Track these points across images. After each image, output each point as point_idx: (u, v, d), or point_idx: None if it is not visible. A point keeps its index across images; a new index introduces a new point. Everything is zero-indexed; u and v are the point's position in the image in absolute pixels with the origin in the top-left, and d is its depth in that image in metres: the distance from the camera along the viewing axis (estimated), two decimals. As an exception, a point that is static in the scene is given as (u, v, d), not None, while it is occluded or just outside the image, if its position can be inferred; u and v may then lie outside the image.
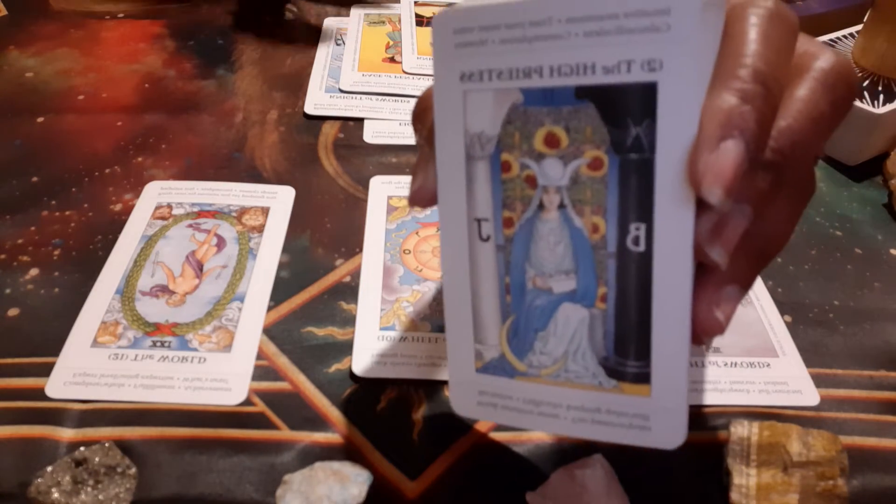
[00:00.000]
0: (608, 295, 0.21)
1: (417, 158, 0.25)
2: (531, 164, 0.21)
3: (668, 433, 0.21)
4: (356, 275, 0.35)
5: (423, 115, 0.24)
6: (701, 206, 0.19)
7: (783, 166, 0.20)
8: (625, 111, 0.19)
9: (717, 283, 0.21)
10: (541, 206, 0.22)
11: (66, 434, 0.28)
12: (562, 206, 0.21)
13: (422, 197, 0.24)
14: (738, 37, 0.20)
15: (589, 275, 0.22)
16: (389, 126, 0.46)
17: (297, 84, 0.49)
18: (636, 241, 0.20)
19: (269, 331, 0.32)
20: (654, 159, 0.19)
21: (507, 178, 0.22)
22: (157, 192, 0.39)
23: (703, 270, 0.20)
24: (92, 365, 0.30)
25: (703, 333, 0.20)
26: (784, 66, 0.20)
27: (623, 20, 0.19)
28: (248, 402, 0.29)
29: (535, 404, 0.23)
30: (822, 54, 0.21)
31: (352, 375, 0.31)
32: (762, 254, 0.22)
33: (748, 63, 0.19)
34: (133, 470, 0.27)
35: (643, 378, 0.21)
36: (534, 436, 0.29)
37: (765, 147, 0.19)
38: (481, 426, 0.29)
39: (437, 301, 0.34)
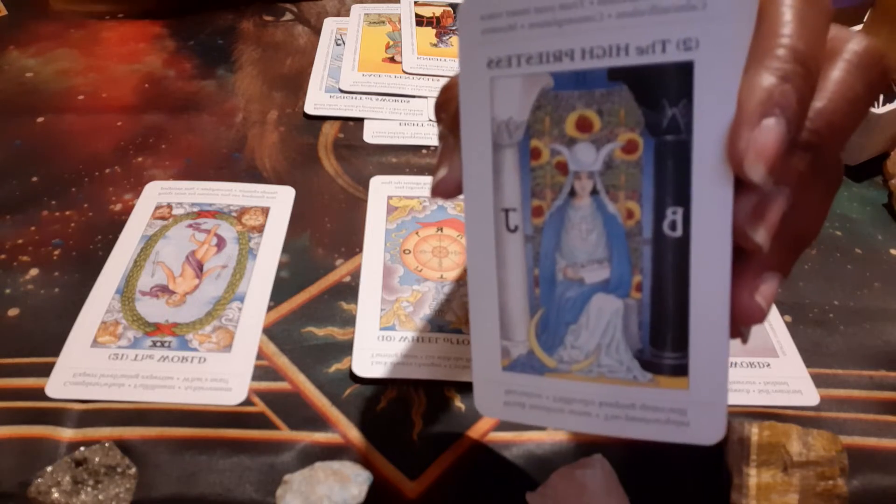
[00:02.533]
0: (643, 283, 0.21)
1: (441, 149, 0.24)
2: (562, 149, 0.21)
3: (707, 428, 0.20)
4: (356, 275, 0.35)
5: (446, 105, 0.24)
6: (738, 189, 0.19)
7: (820, 148, 0.20)
8: (660, 92, 0.19)
9: (756, 269, 0.20)
10: (572, 193, 0.21)
11: (66, 434, 0.28)
12: (594, 192, 0.21)
13: (446, 187, 0.23)
14: (774, 17, 0.19)
15: (623, 263, 0.21)
16: (389, 126, 0.46)
17: (297, 84, 0.49)
18: (673, 225, 0.20)
19: (269, 331, 0.32)
20: (691, 140, 0.19)
21: (536, 166, 0.21)
22: (157, 192, 0.39)
23: (739, 258, 0.20)
24: (92, 365, 0.30)
25: (743, 321, 0.20)
26: (820, 48, 0.20)
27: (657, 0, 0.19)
28: (248, 402, 0.29)
29: (566, 402, 0.22)
30: (853, 37, 0.21)
31: (352, 375, 0.31)
32: (799, 240, 0.22)
33: (786, 43, 0.19)
34: (133, 470, 0.27)
35: (681, 370, 0.20)
36: (534, 436, 0.29)
37: (803, 128, 0.19)
38: (481, 426, 0.29)
39: (437, 301, 0.34)
